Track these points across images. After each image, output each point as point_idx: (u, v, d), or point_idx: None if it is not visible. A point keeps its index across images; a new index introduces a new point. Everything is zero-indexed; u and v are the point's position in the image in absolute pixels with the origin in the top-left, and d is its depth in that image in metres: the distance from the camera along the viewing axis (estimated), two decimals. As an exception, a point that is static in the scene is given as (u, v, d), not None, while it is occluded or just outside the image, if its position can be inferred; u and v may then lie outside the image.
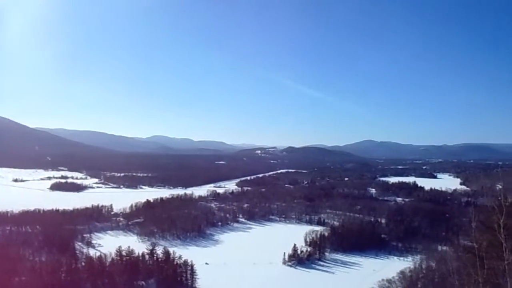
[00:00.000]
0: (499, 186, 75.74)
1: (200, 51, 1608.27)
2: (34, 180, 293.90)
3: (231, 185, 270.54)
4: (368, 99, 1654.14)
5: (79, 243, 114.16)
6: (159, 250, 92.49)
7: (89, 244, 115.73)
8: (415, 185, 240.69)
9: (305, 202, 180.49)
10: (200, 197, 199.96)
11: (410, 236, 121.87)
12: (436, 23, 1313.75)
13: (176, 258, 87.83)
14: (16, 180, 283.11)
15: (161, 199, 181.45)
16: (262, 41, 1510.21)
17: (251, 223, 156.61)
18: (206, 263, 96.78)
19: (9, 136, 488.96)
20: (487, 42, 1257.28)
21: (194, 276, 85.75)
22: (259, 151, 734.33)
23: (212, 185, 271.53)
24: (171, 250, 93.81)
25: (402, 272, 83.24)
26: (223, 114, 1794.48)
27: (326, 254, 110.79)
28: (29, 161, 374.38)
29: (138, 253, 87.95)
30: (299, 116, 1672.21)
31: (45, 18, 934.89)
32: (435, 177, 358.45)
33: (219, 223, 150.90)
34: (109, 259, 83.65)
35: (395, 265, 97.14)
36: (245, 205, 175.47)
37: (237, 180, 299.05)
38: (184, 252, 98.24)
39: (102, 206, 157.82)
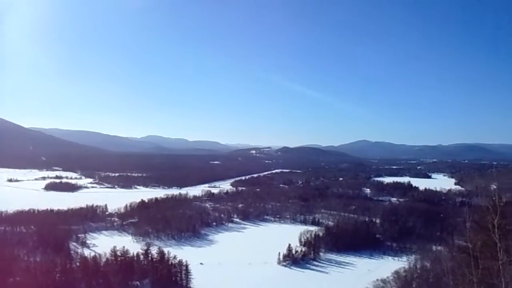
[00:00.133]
0: (493, 186, 76.58)
1: (195, 51, 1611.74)
2: (28, 180, 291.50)
3: (225, 185, 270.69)
4: (362, 99, 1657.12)
5: (74, 243, 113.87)
6: (153, 250, 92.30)
7: (84, 244, 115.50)
8: (409, 185, 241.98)
9: (300, 202, 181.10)
10: (195, 197, 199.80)
11: (404, 236, 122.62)
12: (434, 24, 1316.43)
13: (171, 258, 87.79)
14: (10, 180, 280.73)
15: (156, 199, 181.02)
16: (257, 42, 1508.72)
17: (245, 223, 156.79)
18: (201, 263, 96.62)
19: (3, 136, 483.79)
20: (483, 42, 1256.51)
21: (189, 276, 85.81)
22: (253, 151, 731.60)
23: (206, 185, 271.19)
24: (165, 250, 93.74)
25: (396, 272, 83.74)
26: (217, 114, 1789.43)
27: (321, 254, 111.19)
28: (23, 161, 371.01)
29: (133, 253, 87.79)
30: (294, 116, 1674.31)
31: (41, 19, 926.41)
32: (429, 177, 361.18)
33: (214, 223, 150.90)
34: (103, 259, 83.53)
35: (389, 265, 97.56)
36: (240, 205, 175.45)
37: (232, 180, 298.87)
38: (178, 252, 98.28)
39: (97, 206, 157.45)
